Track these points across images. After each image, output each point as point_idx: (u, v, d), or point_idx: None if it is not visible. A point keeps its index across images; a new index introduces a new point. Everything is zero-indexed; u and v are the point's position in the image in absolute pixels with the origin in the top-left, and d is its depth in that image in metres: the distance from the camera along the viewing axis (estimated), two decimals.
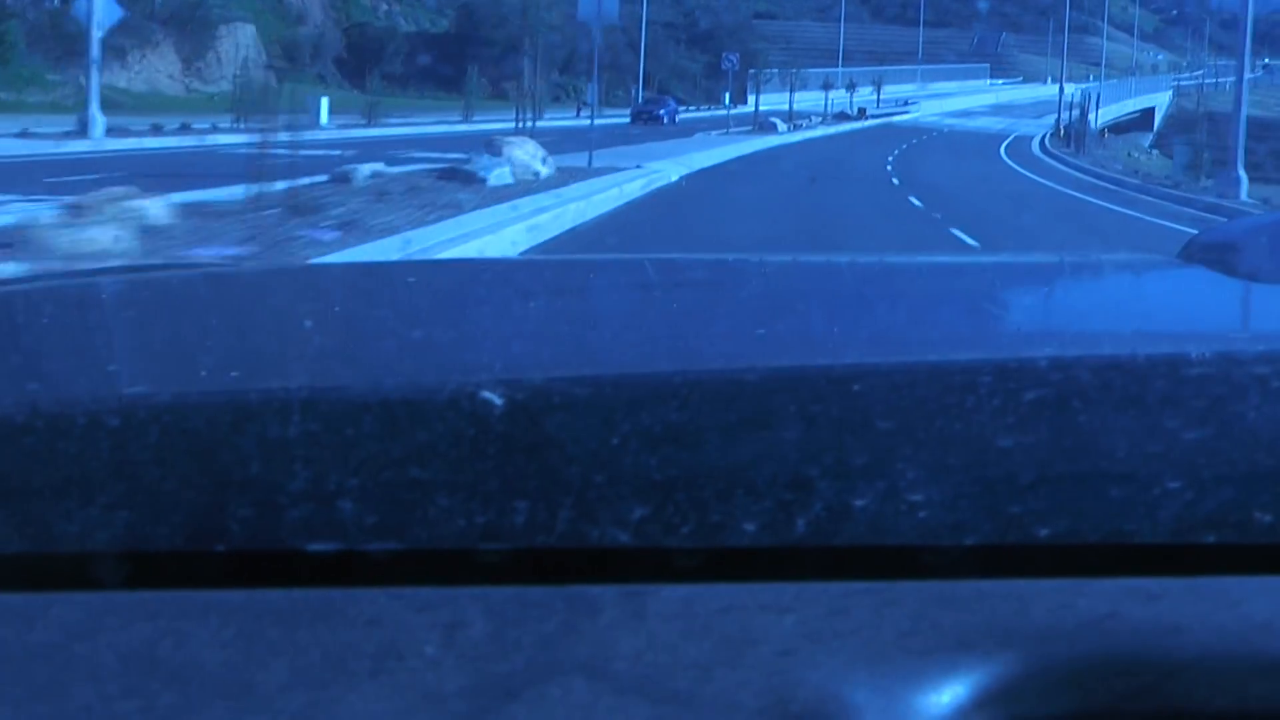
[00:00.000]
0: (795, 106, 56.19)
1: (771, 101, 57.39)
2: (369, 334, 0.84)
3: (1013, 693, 0.49)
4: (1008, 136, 53.99)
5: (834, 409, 0.57)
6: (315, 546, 0.54)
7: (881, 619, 0.51)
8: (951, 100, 78.14)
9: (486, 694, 0.48)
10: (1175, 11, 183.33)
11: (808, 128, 52.35)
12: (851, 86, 72.68)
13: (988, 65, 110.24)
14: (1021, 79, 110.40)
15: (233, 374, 0.65)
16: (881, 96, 75.87)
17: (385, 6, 73.22)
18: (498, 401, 0.55)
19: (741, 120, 49.09)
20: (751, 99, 53.88)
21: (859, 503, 0.54)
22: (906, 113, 68.71)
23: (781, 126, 48.57)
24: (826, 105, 63.55)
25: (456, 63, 64.09)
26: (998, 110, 74.50)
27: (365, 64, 61.60)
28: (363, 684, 0.48)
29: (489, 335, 0.80)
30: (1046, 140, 52.30)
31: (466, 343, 0.78)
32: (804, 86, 65.74)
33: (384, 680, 0.49)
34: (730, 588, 0.53)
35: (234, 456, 0.55)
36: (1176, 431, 0.56)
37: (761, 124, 47.90)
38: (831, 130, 53.79)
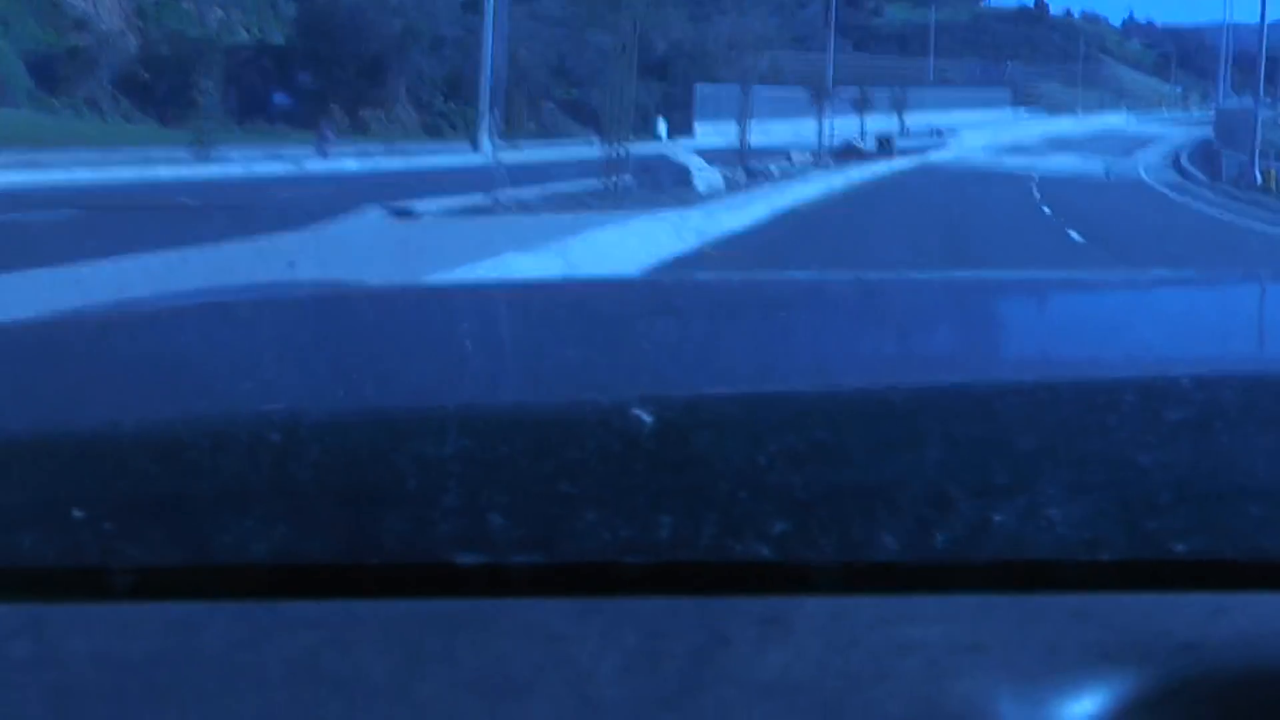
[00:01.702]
0: (772, 140, 36.48)
1: (733, 131, 38.38)
2: (518, 353, 0.87)
3: (1154, 706, 0.49)
4: (1167, 192, 36.32)
5: (976, 428, 0.57)
6: (465, 559, 0.55)
7: (1024, 632, 0.51)
8: (993, 131, 58.39)
9: (643, 704, 0.48)
10: (1172, 48, 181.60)
11: (749, 192, 24.04)
12: (862, 103, 51.76)
13: (1009, 91, 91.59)
14: (1044, 109, 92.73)
15: (387, 392, 0.67)
16: (906, 124, 55.27)
17: (220, 13, 53.43)
18: (648, 419, 0.56)
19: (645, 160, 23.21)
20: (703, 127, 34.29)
21: (998, 519, 0.54)
22: (945, 145, 49.39)
23: (701, 179, 22.40)
24: (822, 134, 41.01)
25: (296, 85, 44.86)
26: (1060, 145, 56.93)
27: (166, 85, 42.25)
28: (521, 694, 0.49)
29: (634, 354, 0.83)
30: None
31: (612, 361, 0.80)
32: (787, 113, 46.01)
33: (542, 690, 0.49)
34: (873, 600, 0.53)
35: (390, 473, 0.56)
36: None
37: (657, 171, 22.31)
38: (816, 189, 27.46)
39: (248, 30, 53.27)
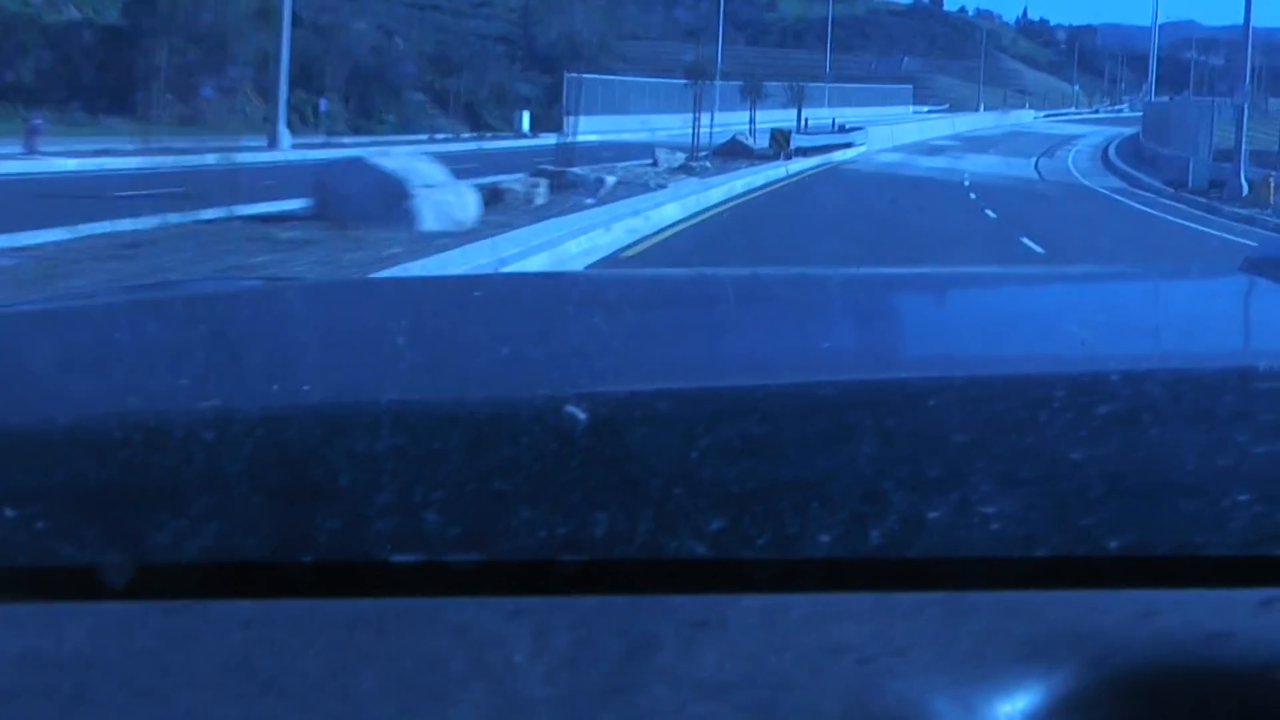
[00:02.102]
0: (654, 136, 31.22)
1: (610, 127, 33.53)
2: (452, 348, 0.86)
3: (1085, 702, 0.49)
4: (1137, 205, 29.28)
5: (910, 423, 0.58)
6: (399, 557, 0.55)
7: (957, 628, 0.51)
8: (900, 129, 53.52)
9: (576, 702, 0.49)
10: (1064, 45, 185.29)
11: (527, 227, 12.98)
12: (753, 94, 44.78)
13: (910, 86, 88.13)
14: (948, 105, 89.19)
15: (321, 388, 0.67)
16: (806, 119, 48.03)
17: None
18: (582, 416, 0.56)
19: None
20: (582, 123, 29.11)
21: (932, 515, 0.55)
22: (850, 144, 42.64)
23: (430, 204, 12.50)
24: (697, 130, 32.35)
25: (124, 68, 39.49)
26: (976, 144, 52.51)
27: None
28: (455, 692, 0.49)
29: (569, 350, 0.83)
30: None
31: (547, 357, 0.80)
32: (673, 108, 41.41)
33: (475, 688, 0.49)
34: (807, 598, 0.53)
35: (323, 469, 0.56)
36: (1246, 445, 0.57)
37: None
38: (662, 217, 16.04)
39: (77, 9, 47.62)
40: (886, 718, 0.48)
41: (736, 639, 0.51)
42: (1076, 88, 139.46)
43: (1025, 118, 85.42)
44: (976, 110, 70.36)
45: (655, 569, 0.55)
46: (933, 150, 46.57)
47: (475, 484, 0.55)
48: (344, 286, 1.43)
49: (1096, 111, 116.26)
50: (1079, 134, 65.45)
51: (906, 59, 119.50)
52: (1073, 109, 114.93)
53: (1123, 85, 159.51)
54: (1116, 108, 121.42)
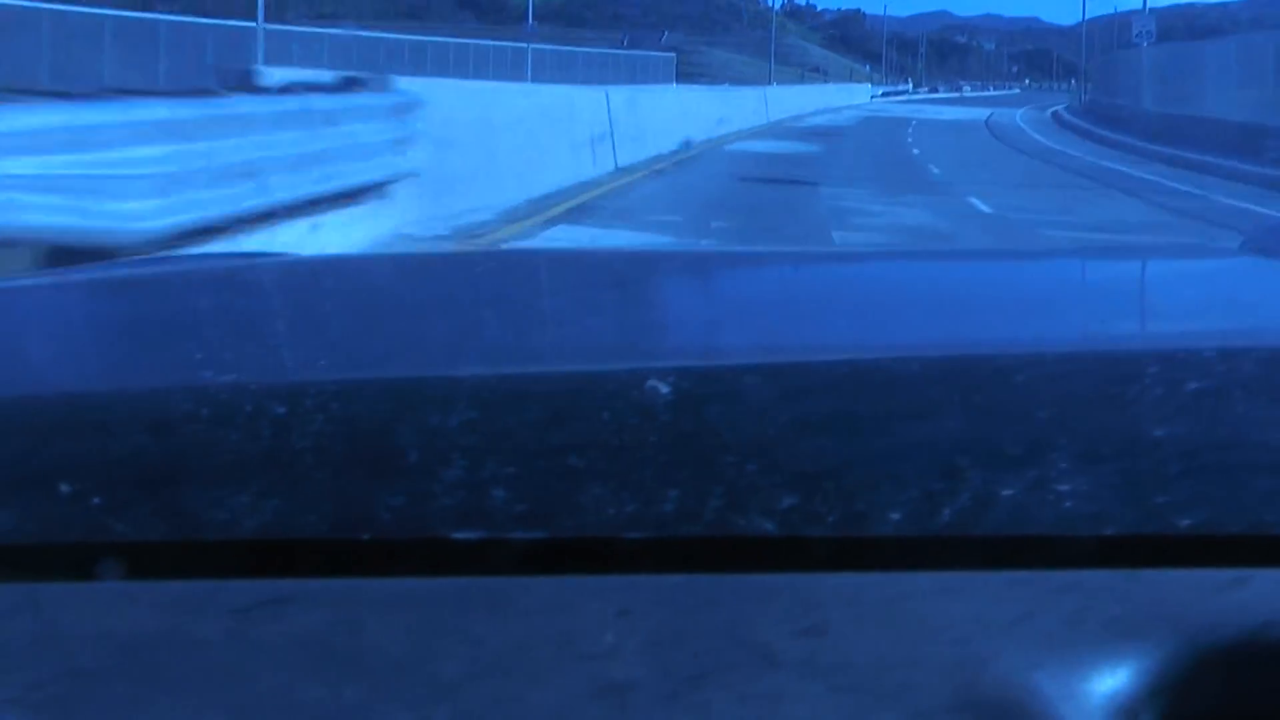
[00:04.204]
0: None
1: None
2: (528, 321, 0.84)
3: (1177, 679, 0.49)
4: None
5: (994, 398, 0.57)
6: (461, 535, 0.53)
7: (1051, 607, 0.50)
8: (649, 116, 29.74)
9: (670, 682, 0.47)
10: (832, 30, 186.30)
11: None
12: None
13: (673, 56, 65.12)
14: (727, 82, 67.77)
15: (396, 362, 0.66)
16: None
17: None
18: (664, 390, 0.55)
19: None
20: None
21: (1006, 492, 0.54)
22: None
23: None
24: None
25: None
26: (835, 137, 28.37)
27: None
28: (546, 672, 0.47)
29: (646, 324, 0.82)
30: None
31: (624, 332, 0.78)
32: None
33: (566, 668, 0.47)
34: (891, 577, 0.52)
35: (392, 444, 0.55)
36: None
37: None
38: None
39: None
40: (990, 698, 0.47)
41: (828, 619, 0.49)
42: (867, 68, 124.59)
43: (861, 97, 62.26)
44: (769, 85, 46.83)
45: (717, 547, 0.53)
46: (771, 160, 19.17)
47: (547, 459, 0.54)
48: (416, 259, 1.40)
49: (936, 90, 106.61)
50: (973, 119, 43.22)
51: (668, 34, 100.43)
52: (908, 88, 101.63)
53: (922, 67, 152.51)
54: (952, 88, 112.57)
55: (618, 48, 77.12)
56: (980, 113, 47.72)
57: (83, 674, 0.47)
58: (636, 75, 47.57)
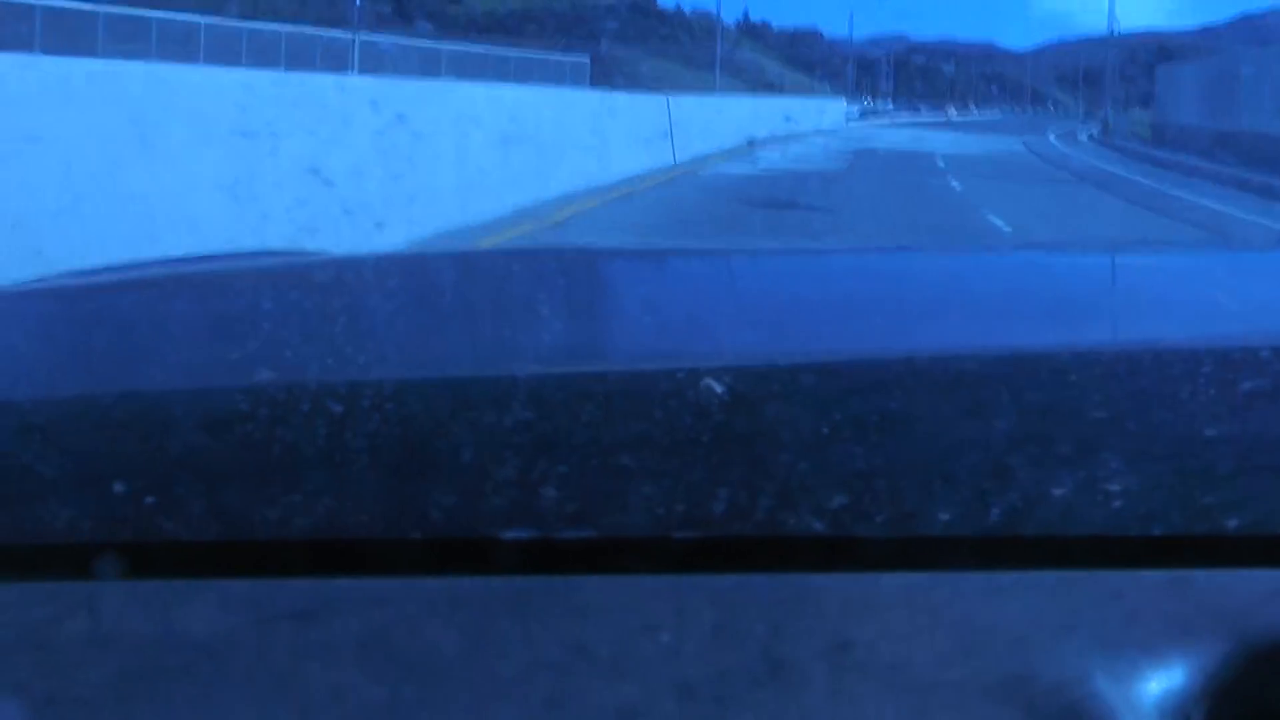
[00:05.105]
0: None
1: None
2: (584, 320, 0.84)
3: (1232, 679, 0.48)
4: None
5: (1049, 397, 0.56)
6: (510, 534, 0.53)
7: (1106, 606, 0.50)
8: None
9: (731, 682, 0.46)
10: (788, 50, 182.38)
11: None
12: None
13: (586, 60, 53.57)
14: (659, 92, 56.72)
15: (451, 361, 0.66)
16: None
17: None
18: (719, 389, 0.55)
19: None
20: None
21: (1056, 492, 0.53)
22: None
23: None
24: None
25: None
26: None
27: None
28: (605, 672, 0.47)
29: (698, 324, 0.81)
30: None
31: (681, 329, 0.78)
32: None
33: (625, 669, 0.47)
34: (946, 576, 0.51)
35: (447, 443, 0.54)
36: None
37: None
38: None
39: None
40: (1046, 698, 0.46)
41: (885, 618, 0.49)
42: (828, 86, 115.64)
43: (833, 115, 45.91)
44: (706, 97, 32.84)
45: (757, 546, 0.52)
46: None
47: (600, 459, 0.54)
48: (457, 258, 1.41)
49: (919, 111, 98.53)
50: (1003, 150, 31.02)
51: (605, 44, 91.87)
52: (891, 106, 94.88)
53: (889, 88, 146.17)
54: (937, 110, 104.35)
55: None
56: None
57: (143, 674, 0.46)
58: (531, 79, 36.29)
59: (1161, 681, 0.47)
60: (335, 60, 32.29)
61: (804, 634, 0.48)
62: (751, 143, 23.03)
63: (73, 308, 0.88)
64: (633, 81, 67.89)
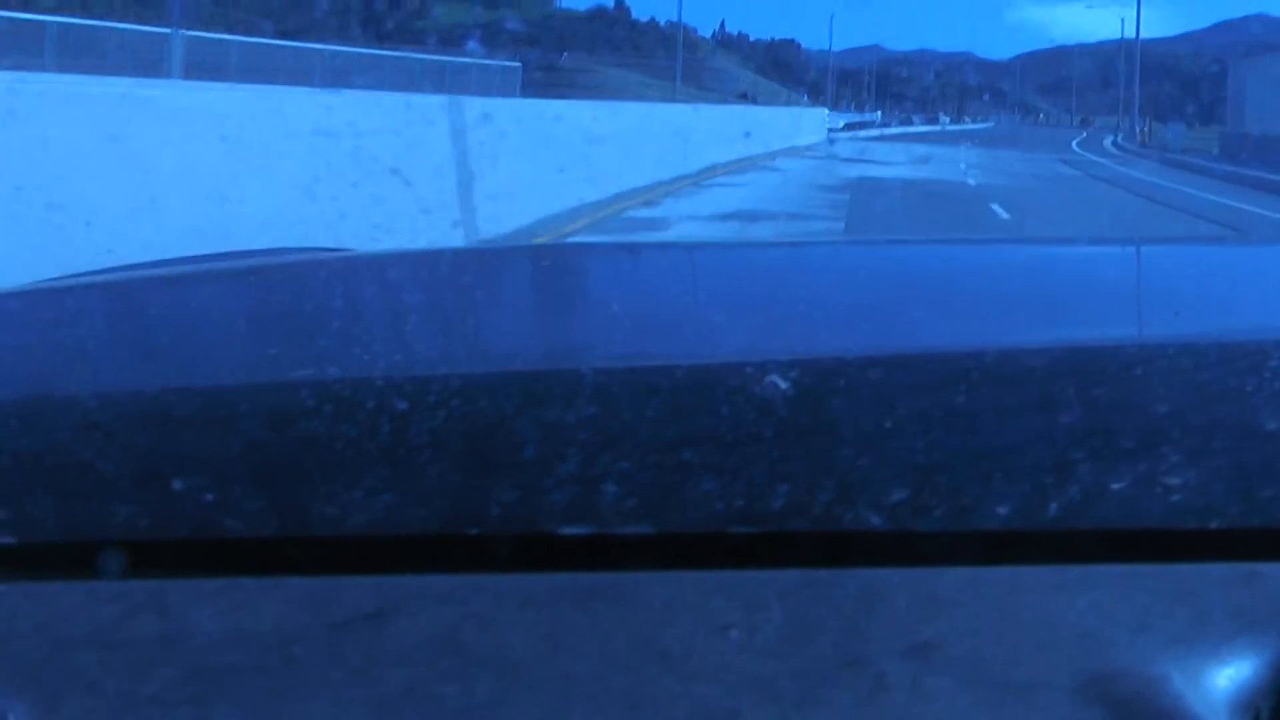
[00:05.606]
0: None
1: None
2: (645, 315, 0.82)
3: None
4: None
5: (1114, 391, 0.56)
6: (569, 530, 0.52)
7: (1174, 601, 0.50)
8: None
9: (805, 677, 0.46)
10: (765, 59, 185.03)
11: None
12: None
13: (519, 66, 47.03)
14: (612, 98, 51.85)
15: (516, 357, 0.66)
16: None
17: None
18: (783, 385, 0.55)
19: None
20: None
21: (1115, 486, 0.53)
22: None
23: None
24: None
25: None
26: None
27: None
28: (679, 668, 0.46)
29: (761, 319, 0.80)
30: None
31: (743, 324, 0.77)
32: None
33: (701, 667, 0.46)
34: (1010, 570, 0.51)
35: (510, 439, 0.54)
36: None
37: None
38: None
39: None
40: (1119, 691, 0.46)
41: (953, 613, 0.49)
42: (805, 96, 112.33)
43: (811, 133, 35.34)
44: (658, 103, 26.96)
45: (814, 541, 0.52)
46: None
47: (662, 454, 0.53)
48: (516, 253, 1.40)
49: (911, 122, 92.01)
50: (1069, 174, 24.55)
51: (567, 55, 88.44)
52: (879, 117, 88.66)
53: (873, 95, 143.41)
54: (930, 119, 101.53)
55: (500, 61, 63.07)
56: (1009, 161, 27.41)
57: (215, 673, 0.47)
58: (444, 87, 32.09)
59: (1231, 676, 0.47)
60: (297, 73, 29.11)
61: (876, 630, 0.48)
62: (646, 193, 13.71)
63: (132, 302, 0.87)
64: (594, 92, 64.57)
